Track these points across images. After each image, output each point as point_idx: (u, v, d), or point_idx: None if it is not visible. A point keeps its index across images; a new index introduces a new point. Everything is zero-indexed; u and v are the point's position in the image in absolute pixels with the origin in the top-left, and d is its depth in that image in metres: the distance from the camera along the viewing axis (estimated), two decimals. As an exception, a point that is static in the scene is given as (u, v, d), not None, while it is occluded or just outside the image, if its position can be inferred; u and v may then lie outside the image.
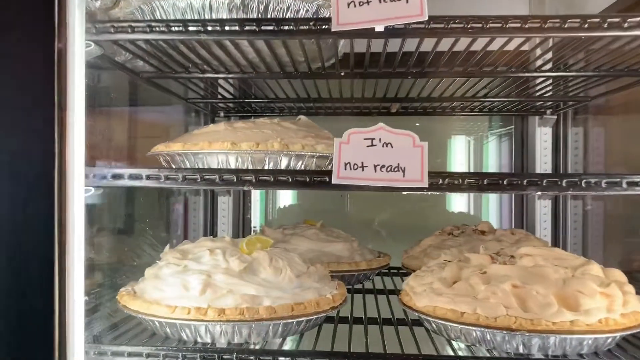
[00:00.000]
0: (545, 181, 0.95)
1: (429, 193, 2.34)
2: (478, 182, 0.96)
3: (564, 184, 0.95)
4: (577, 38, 1.08)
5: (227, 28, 0.97)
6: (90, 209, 1.30)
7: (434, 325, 1.11)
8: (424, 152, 0.94)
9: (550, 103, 1.86)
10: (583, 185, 0.94)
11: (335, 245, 1.65)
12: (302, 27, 0.95)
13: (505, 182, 0.96)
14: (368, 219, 2.34)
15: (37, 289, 0.79)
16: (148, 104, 1.84)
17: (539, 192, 0.95)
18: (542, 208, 1.98)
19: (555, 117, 1.93)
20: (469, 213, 2.40)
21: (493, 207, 2.40)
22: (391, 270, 1.84)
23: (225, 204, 2.05)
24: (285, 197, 2.43)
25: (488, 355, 1.01)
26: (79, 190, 0.83)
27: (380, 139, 0.95)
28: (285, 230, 1.72)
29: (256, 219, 2.35)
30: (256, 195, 2.33)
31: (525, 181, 0.95)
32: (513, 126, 2.21)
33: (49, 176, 0.76)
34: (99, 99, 1.38)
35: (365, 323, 1.28)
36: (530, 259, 1.11)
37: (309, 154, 1.11)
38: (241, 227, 2.18)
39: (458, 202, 2.42)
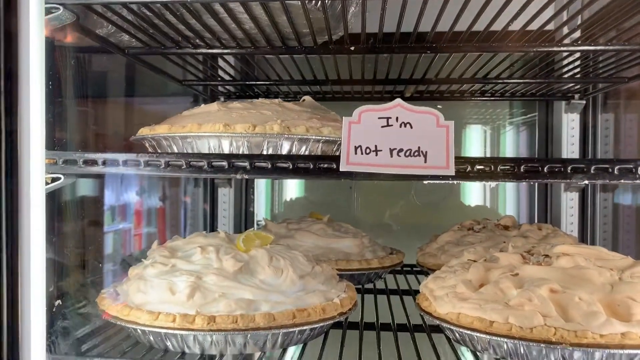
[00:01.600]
0: (593, 168, 0.80)
1: (444, 183, 2.20)
2: (514, 169, 0.81)
3: (615, 172, 0.80)
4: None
5: (216, -12, 0.82)
6: (71, 200, 1.17)
7: (457, 335, 0.96)
8: (450, 133, 0.79)
9: (578, 87, 1.70)
10: (639, 173, 0.79)
11: (344, 242, 1.51)
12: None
13: (545, 169, 0.81)
14: (378, 211, 2.20)
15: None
16: (145, 90, 1.71)
17: (586, 181, 0.80)
18: (569, 201, 1.82)
19: (584, 102, 1.77)
20: (485, 206, 2.25)
21: (511, 200, 2.25)
22: (404, 268, 1.70)
23: (226, 196, 1.91)
24: (292, 189, 2.29)
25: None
26: (36, 177, 0.69)
27: (397, 118, 0.80)
28: (290, 224, 1.58)
29: (260, 212, 2.21)
30: (260, 186, 2.19)
31: (569, 168, 0.80)
32: (536, 113, 2.05)
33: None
34: (87, 84, 1.26)
35: (378, 329, 1.14)
36: (569, 259, 0.97)
37: (314, 137, 0.96)
38: (243, 221, 2.05)
39: (474, 194, 2.27)
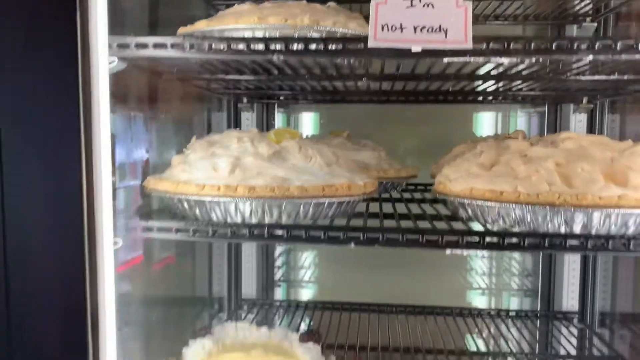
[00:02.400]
0: (598, 43, 0.88)
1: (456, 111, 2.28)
2: (525, 47, 0.89)
3: (618, 47, 0.88)
4: None
5: None
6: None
7: (469, 211, 1.07)
8: (468, 12, 0.87)
9: (590, 7, 1.76)
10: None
11: (363, 153, 1.61)
12: None
13: (554, 47, 0.89)
14: (393, 144, 2.28)
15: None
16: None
17: (591, 57, 0.88)
18: (577, 123, 1.91)
19: (595, 24, 1.83)
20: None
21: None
22: (418, 187, 1.81)
23: (249, 120, 2.01)
24: (308, 122, 2.39)
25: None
26: (103, 58, 0.80)
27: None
28: (311, 140, 1.68)
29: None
30: (278, 118, 2.28)
31: (575, 44, 0.88)
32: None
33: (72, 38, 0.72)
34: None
35: (397, 217, 1.25)
36: (573, 142, 1.06)
37: (341, 30, 1.05)
38: (264, 146, 2.14)
39: (486, 126, 2.35)
